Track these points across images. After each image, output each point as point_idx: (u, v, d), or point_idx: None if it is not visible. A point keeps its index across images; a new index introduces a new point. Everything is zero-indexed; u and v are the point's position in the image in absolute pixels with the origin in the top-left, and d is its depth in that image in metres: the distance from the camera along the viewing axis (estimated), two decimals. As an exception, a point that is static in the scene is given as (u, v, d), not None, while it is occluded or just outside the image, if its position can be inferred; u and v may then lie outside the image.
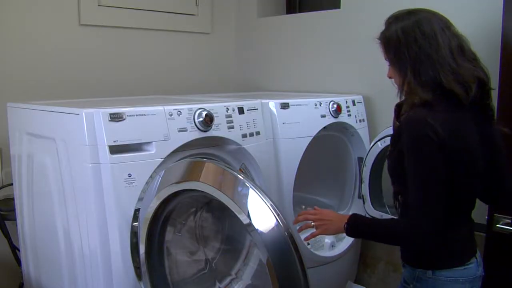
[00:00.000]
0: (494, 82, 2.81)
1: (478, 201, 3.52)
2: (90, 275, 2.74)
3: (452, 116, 2.47)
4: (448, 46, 2.50)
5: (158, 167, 2.77)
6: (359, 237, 2.68)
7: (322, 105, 3.85)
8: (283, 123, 3.58)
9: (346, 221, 2.61)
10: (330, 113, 3.89)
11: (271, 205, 2.22)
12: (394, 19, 2.60)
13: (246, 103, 3.31)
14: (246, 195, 2.23)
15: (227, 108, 3.16)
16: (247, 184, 2.26)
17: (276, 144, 3.54)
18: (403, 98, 2.63)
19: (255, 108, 3.36)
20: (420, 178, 2.41)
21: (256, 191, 2.24)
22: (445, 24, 2.56)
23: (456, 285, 2.58)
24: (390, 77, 2.67)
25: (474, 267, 2.62)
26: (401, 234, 2.45)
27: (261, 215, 2.21)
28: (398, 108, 2.66)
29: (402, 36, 2.53)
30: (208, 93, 4.83)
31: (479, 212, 3.45)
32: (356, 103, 4.16)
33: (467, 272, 2.60)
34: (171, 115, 2.88)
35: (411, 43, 2.51)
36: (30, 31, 4.05)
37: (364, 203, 3.84)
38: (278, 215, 2.20)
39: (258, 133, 3.31)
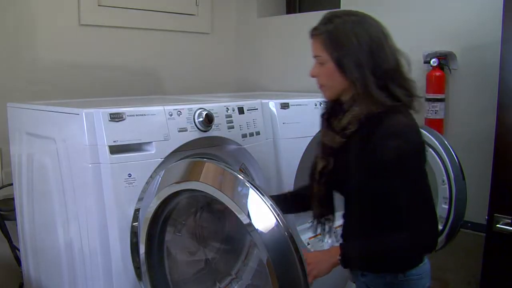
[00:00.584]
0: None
1: (478, 202, 3.55)
2: (90, 275, 2.74)
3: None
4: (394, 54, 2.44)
5: (158, 167, 2.77)
6: (358, 267, 2.54)
7: (322, 105, 3.85)
8: (283, 123, 3.58)
9: (338, 255, 2.47)
10: (330, 113, 3.89)
11: (271, 205, 2.21)
12: (345, 15, 2.46)
13: (246, 103, 3.31)
14: (246, 195, 2.23)
15: (227, 108, 3.16)
16: (247, 184, 2.26)
17: (276, 144, 3.54)
18: (327, 99, 2.57)
19: (255, 108, 3.35)
20: (420, 185, 2.38)
21: (256, 191, 2.24)
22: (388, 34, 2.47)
23: (423, 281, 2.57)
24: (314, 76, 2.55)
25: (427, 260, 2.61)
26: (407, 246, 2.38)
27: (261, 215, 2.21)
28: (328, 119, 2.58)
29: (362, 35, 2.39)
30: (208, 93, 4.83)
31: (479, 212, 3.46)
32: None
33: (427, 266, 2.60)
34: (171, 115, 2.88)
35: (374, 44, 2.39)
36: (30, 31, 4.05)
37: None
38: (278, 215, 2.20)
39: (258, 133, 3.31)
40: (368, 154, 2.35)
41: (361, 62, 2.37)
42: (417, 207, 2.34)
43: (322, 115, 2.58)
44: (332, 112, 2.55)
